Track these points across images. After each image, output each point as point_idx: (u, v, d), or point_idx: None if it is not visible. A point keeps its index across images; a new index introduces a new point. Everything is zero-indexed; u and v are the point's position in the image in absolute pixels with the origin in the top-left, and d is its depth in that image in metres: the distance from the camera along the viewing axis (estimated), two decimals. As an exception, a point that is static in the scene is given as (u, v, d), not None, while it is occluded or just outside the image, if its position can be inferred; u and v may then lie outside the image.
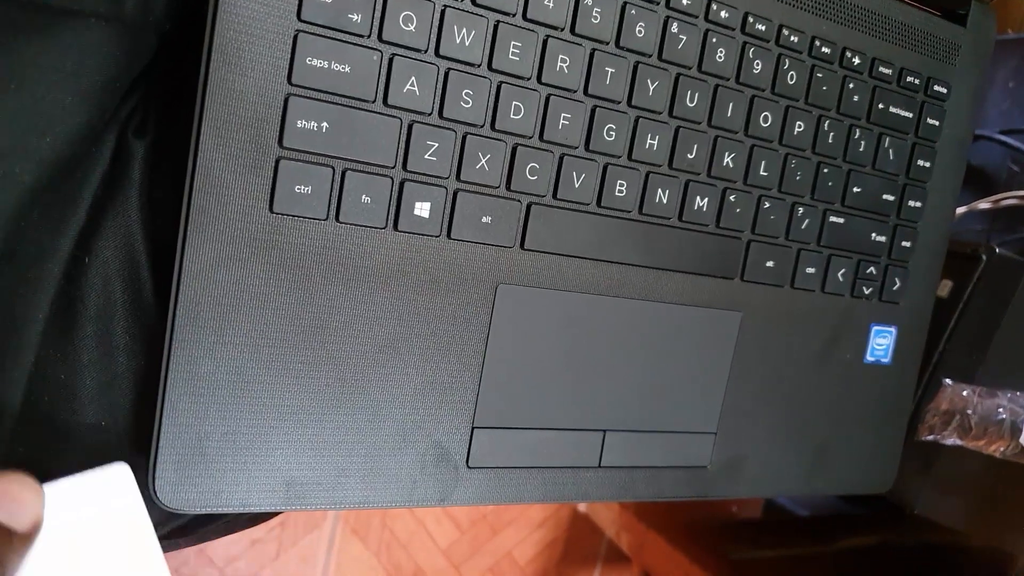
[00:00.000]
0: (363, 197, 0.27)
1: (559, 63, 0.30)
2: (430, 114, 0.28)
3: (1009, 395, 0.47)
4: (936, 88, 0.40)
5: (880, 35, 0.38)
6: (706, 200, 0.34)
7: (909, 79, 0.39)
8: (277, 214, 0.26)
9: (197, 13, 0.25)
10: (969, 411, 0.47)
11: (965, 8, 0.41)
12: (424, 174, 0.28)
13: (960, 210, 0.69)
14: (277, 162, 0.26)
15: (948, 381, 0.46)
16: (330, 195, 0.27)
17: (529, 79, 0.30)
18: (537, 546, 1.21)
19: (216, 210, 0.25)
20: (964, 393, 0.47)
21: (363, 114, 0.27)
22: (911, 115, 0.40)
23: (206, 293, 0.26)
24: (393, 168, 0.28)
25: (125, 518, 0.22)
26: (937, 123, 0.41)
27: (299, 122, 0.26)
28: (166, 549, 0.32)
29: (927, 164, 0.41)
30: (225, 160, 0.25)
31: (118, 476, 0.22)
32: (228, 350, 0.26)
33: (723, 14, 0.33)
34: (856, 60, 0.37)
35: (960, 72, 0.41)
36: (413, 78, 0.27)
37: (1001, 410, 0.47)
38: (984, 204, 0.69)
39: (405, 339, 0.29)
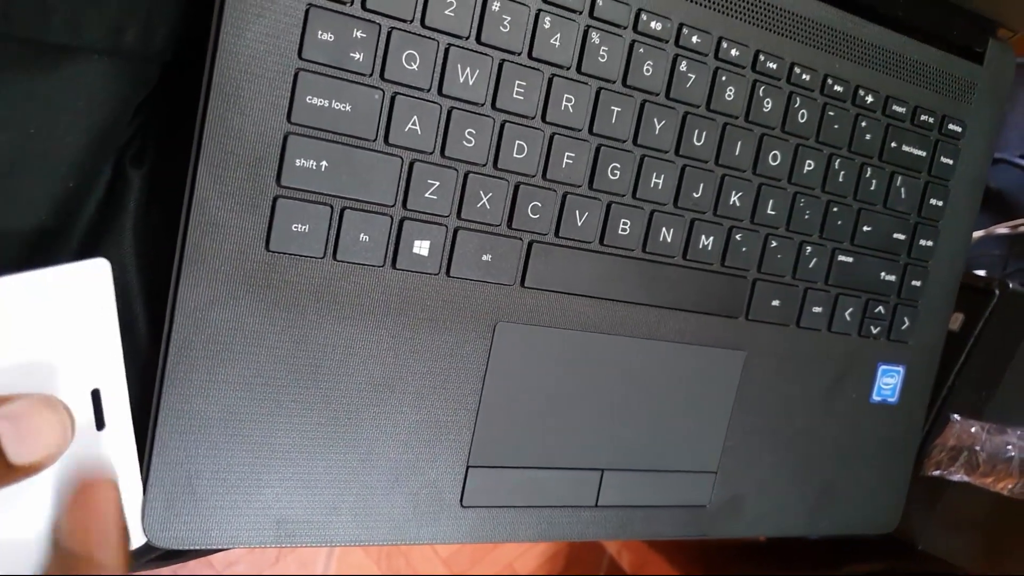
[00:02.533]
0: (361, 235, 0.27)
1: (564, 102, 0.30)
2: (432, 153, 0.28)
3: (1019, 432, 0.46)
4: (951, 127, 0.40)
5: (894, 73, 0.37)
6: (711, 239, 0.34)
7: (923, 117, 0.39)
8: (273, 252, 0.26)
9: (199, 41, 0.25)
10: (977, 447, 0.46)
11: (982, 46, 0.40)
12: (424, 212, 0.28)
13: (978, 234, 0.68)
14: (275, 200, 0.26)
15: (956, 417, 0.46)
16: (328, 234, 0.27)
17: (533, 118, 0.29)
18: (538, 559, 1.20)
19: (211, 248, 0.25)
20: (973, 429, 0.46)
21: (363, 153, 0.27)
22: (924, 154, 0.39)
23: (199, 331, 0.25)
24: (392, 207, 0.28)
25: (94, 312, 0.22)
26: (951, 162, 0.40)
27: (298, 161, 0.26)
28: (153, 568, 0.32)
29: (940, 203, 0.40)
30: (221, 198, 0.25)
31: (95, 269, 0.22)
32: (220, 388, 0.26)
33: (733, 52, 0.33)
34: (869, 98, 0.37)
35: (976, 110, 0.40)
36: (415, 117, 0.27)
37: (1010, 447, 0.46)
38: (1002, 229, 0.68)
39: (401, 377, 0.29)
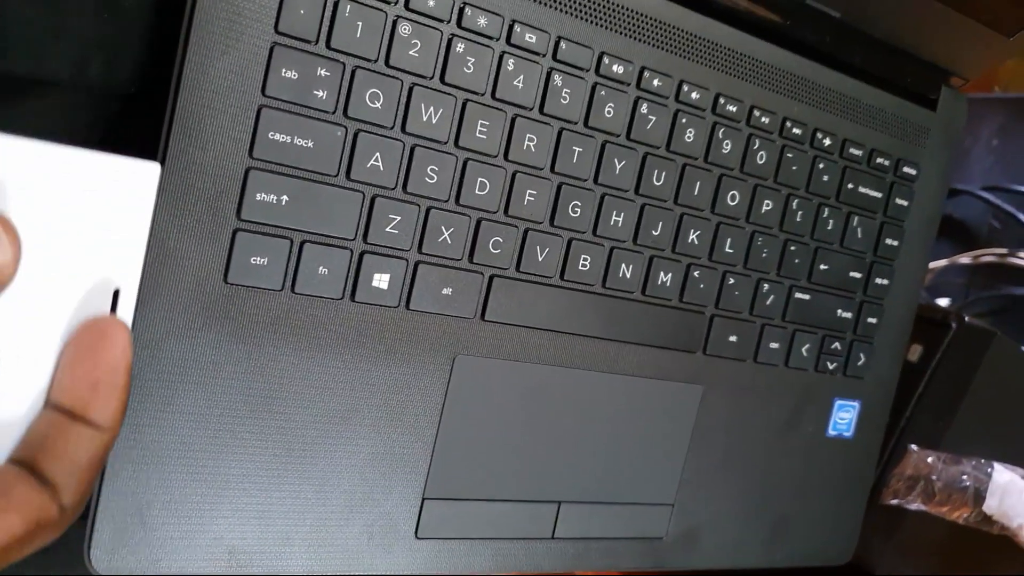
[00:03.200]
0: (320, 268, 0.27)
1: (526, 141, 0.30)
2: (394, 188, 0.28)
3: (973, 462, 0.48)
4: (905, 169, 0.41)
5: (851, 117, 0.39)
6: (670, 275, 0.35)
7: (879, 160, 0.40)
8: (232, 284, 0.26)
9: (163, 76, 0.26)
10: (933, 477, 0.47)
11: (936, 93, 0.41)
12: (385, 246, 0.28)
13: (941, 263, 0.70)
14: (234, 234, 0.26)
15: (914, 447, 0.47)
16: (286, 267, 0.27)
17: (496, 156, 0.30)
18: None
19: (169, 279, 0.25)
20: (929, 459, 0.47)
21: (325, 188, 0.27)
22: (880, 195, 0.40)
23: (155, 362, 0.26)
24: (353, 240, 0.28)
25: (128, 213, 0.22)
26: (906, 203, 0.41)
27: (258, 195, 0.26)
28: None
29: (895, 243, 0.41)
30: (180, 230, 0.25)
31: (145, 171, 0.22)
32: (174, 419, 0.26)
33: (694, 95, 0.34)
34: (827, 141, 0.38)
35: (930, 153, 0.42)
36: (378, 154, 0.28)
37: (965, 477, 0.47)
38: (964, 259, 0.70)
39: (357, 409, 0.29)
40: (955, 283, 0.72)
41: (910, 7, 0.37)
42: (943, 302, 0.70)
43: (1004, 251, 0.66)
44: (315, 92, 0.26)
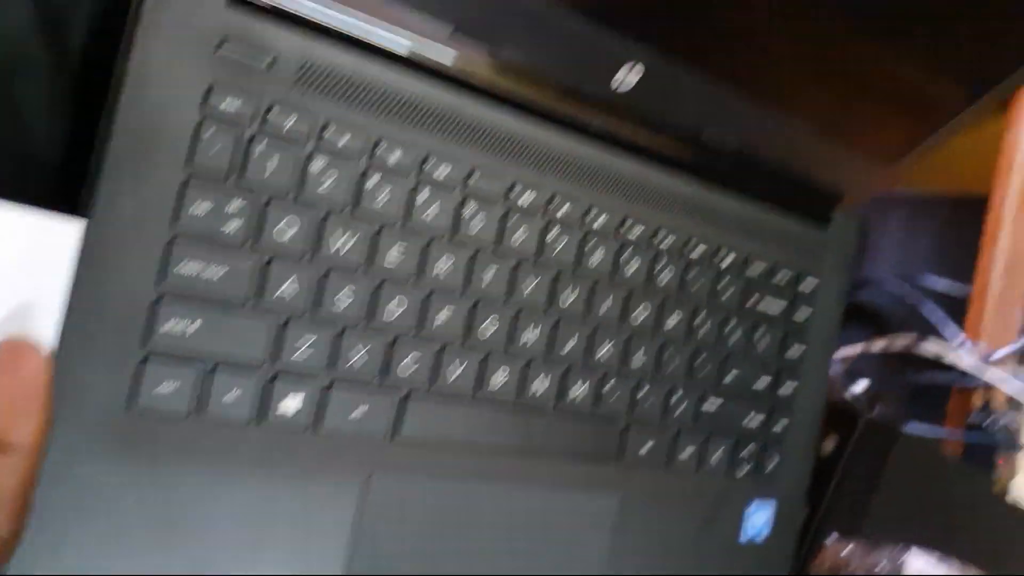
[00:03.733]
0: (229, 393, 0.28)
1: (440, 264, 0.32)
2: (306, 312, 0.29)
3: (889, 551, 0.49)
4: (805, 284, 0.44)
5: (752, 237, 0.41)
6: (583, 388, 0.36)
7: (779, 275, 0.42)
8: (138, 411, 0.26)
9: (74, 206, 0.26)
10: (851, 567, 0.48)
11: (828, 214, 0.45)
12: (295, 369, 0.29)
13: (857, 349, 0.74)
14: (141, 361, 0.26)
15: (831, 539, 0.48)
16: (194, 392, 0.27)
17: (410, 279, 0.31)
18: None
19: (72, 406, 0.25)
20: (846, 551, 0.48)
21: (236, 314, 0.28)
22: (782, 308, 0.43)
23: (54, 491, 0.25)
24: (263, 364, 0.28)
25: (44, 268, 0.22)
26: (807, 314, 0.44)
27: (167, 323, 0.26)
28: None
29: (799, 352, 0.44)
30: (86, 358, 0.25)
31: (64, 230, 0.22)
32: (73, 549, 0.26)
33: (602, 219, 0.36)
34: (729, 258, 0.40)
35: (827, 267, 0.45)
36: (290, 279, 0.28)
37: (881, 566, 0.49)
38: (877, 346, 0.74)
39: (268, 534, 0.29)
40: (870, 369, 0.76)
41: (800, 140, 0.40)
42: (861, 385, 0.73)
43: (910, 340, 0.70)
44: (227, 223, 0.27)
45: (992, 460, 0.64)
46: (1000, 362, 0.66)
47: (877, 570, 0.48)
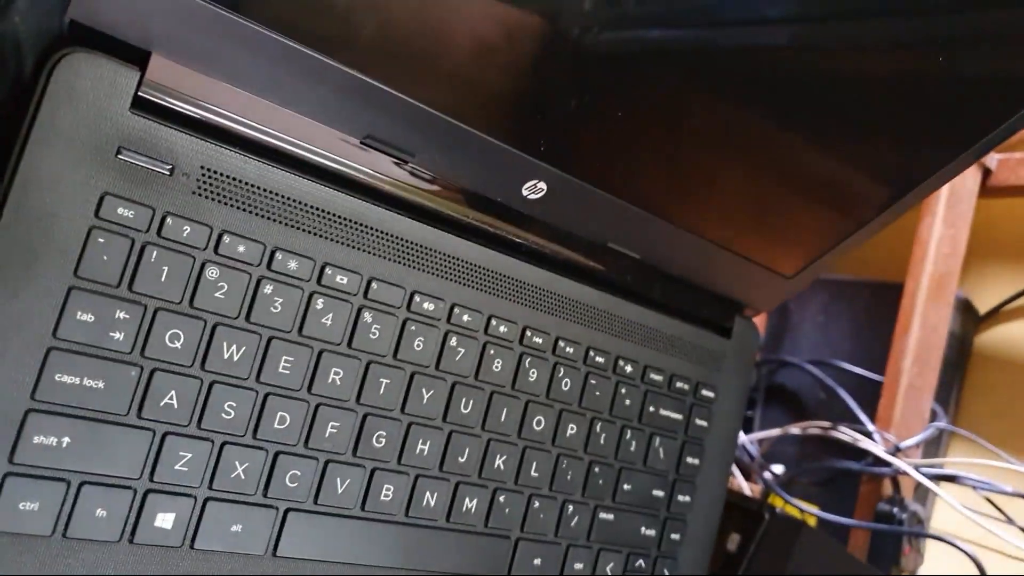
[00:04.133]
0: (98, 511, 0.27)
1: (332, 375, 0.32)
2: (187, 425, 0.29)
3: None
4: (704, 392, 0.45)
5: (652, 346, 0.43)
6: (476, 501, 0.36)
7: (678, 384, 0.44)
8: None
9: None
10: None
11: (730, 323, 0.47)
12: (172, 484, 0.28)
13: (775, 432, 0.76)
14: (3, 478, 0.25)
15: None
16: (60, 510, 0.26)
17: (299, 390, 0.31)
18: None
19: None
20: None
21: (112, 428, 0.27)
22: (680, 417, 0.44)
23: None
24: (138, 479, 0.28)
25: None
26: (705, 423, 0.45)
27: (36, 438, 0.26)
28: None
29: (696, 461, 0.45)
30: (-58, 475, 0.24)
31: None
32: None
33: (502, 328, 0.37)
34: (628, 368, 0.41)
35: (726, 376, 0.46)
36: (173, 392, 0.28)
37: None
38: (794, 430, 0.76)
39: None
40: (787, 452, 0.78)
41: (701, 253, 0.42)
42: (778, 469, 0.75)
43: (827, 424, 0.73)
44: (111, 334, 0.27)
45: (899, 547, 0.65)
46: (909, 450, 0.69)
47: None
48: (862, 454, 0.69)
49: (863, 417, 0.73)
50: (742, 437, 0.76)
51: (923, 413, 0.73)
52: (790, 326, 0.86)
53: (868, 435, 0.70)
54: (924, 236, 0.75)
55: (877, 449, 0.68)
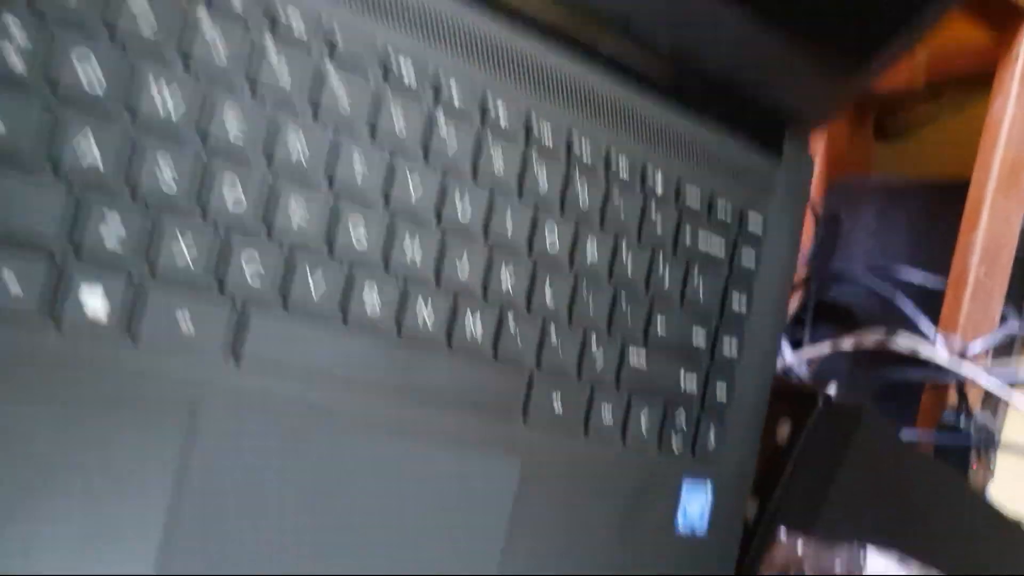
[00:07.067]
0: (11, 288, 0.23)
1: (295, 143, 0.28)
2: (115, 178, 0.25)
3: (846, 549, 0.46)
4: (748, 226, 0.41)
5: (689, 156, 0.38)
6: (479, 323, 0.32)
7: (721, 208, 0.39)
8: None
9: None
10: (804, 566, 0.45)
11: (780, 139, 0.42)
12: (99, 255, 0.25)
13: (825, 348, 0.72)
14: None
15: (783, 534, 0.45)
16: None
17: (251, 150, 0.27)
18: None
19: None
20: (799, 547, 0.45)
21: (16, 176, 0.24)
22: (723, 248, 0.40)
23: None
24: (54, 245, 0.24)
25: None
26: (753, 261, 0.41)
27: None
28: None
29: (743, 303, 0.41)
30: None
31: None
32: None
33: (502, 115, 0.33)
34: (660, 180, 0.37)
35: (777, 207, 0.42)
36: (88, 130, 0.24)
37: (837, 564, 0.46)
38: (846, 343, 0.72)
39: (69, 472, 0.24)
40: (839, 368, 0.74)
41: (745, 42, 0.38)
42: (830, 389, 0.72)
43: (882, 335, 0.69)
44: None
45: (967, 462, 0.62)
46: (977, 357, 0.65)
47: (834, 569, 0.45)
48: (924, 365, 0.66)
49: (926, 323, 0.68)
50: (789, 355, 0.72)
51: (992, 316, 0.69)
52: (840, 238, 0.83)
53: (931, 342, 0.66)
54: (995, 116, 0.70)
55: (941, 355, 0.64)
